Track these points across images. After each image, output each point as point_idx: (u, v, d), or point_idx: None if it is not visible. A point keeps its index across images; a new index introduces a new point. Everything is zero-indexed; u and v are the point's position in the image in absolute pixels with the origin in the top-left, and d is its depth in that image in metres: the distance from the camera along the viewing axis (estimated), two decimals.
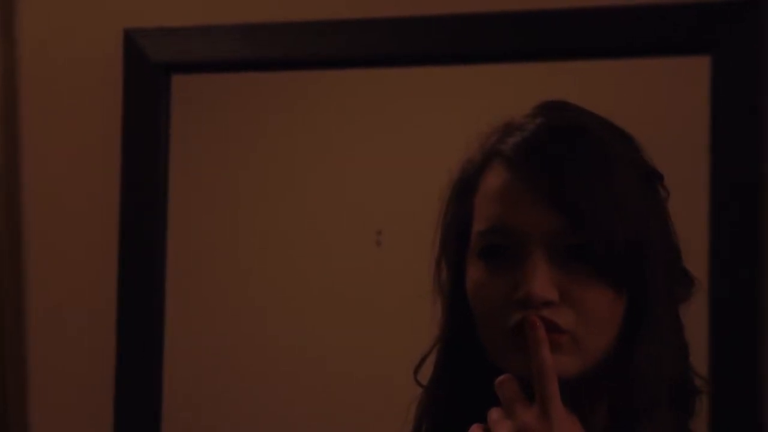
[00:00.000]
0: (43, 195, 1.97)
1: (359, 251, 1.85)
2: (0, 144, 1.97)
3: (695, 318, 1.66)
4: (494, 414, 1.06)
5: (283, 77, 1.90)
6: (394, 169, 1.85)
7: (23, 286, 1.97)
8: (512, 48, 1.80)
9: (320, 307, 1.86)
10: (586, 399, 1.13)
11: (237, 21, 1.90)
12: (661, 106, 1.74)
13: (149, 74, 1.92)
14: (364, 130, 1.87)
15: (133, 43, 1.92)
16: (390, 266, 1.84)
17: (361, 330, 1.84)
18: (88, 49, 1.96)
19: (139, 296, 1.91)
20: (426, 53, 1.83)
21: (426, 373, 1.20)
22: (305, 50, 1.87)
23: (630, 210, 1.10)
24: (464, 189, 1.17)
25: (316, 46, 1.86)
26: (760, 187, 1.68)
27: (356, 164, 1.87)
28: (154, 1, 1.95)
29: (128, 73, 1.93)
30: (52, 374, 1.96)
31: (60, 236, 1.96)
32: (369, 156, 1.86)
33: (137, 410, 1.91)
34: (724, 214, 1.68)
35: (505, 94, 1.78)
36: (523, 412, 1.04)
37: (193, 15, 1.92)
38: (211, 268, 1.92)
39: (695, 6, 1.71)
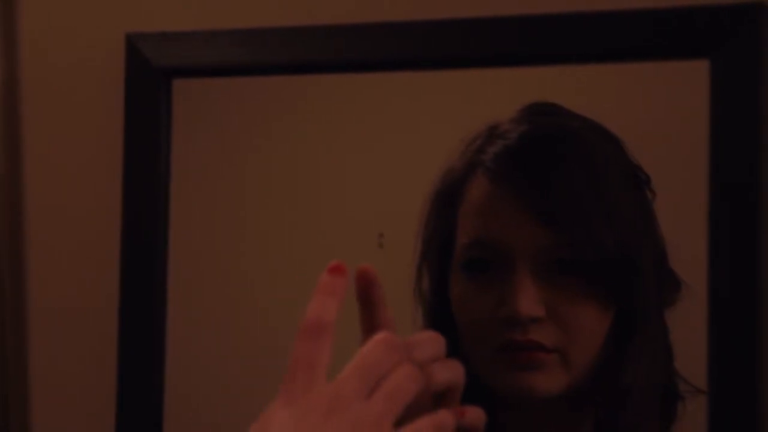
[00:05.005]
0: (45, 199, 1.97)
1: (362, 253, 1.85)
2: (2, 148, 1.97)
3: (694, 321, 1.66)
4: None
5: (285, 81, 1.90)
6: (396, 171, 1.84)
7: (25, 289, 1.97)
8: (512, 52, 1.79)
9: None
10: (572, 413, 1.11)
11: (239, 26, 1.89)
12: (659, 110, 1.73)
13: (151, 79, 1.92)
14: (367, 133, 1.87)
15: (134, 47, 1.92)
16: (393, 268, 1.84)
17: None
18: (89, 54, 1.96)
19: (141, 300, 1.91)
20: (429, 57, 1.82)
21: None
22: (307, 54, 1.86)
23: (621, 221, 1.06)
24: (447, 200, 1.13)
25: (318, 51, 1.86)
26: (758, 191, 1.67)
27: (358, 167, 1.87)
28: (156, 5, 1.95)
29: (130, 78, 1.92)
30: (54, 374, 1.96)
31: (62, 239, 1.97)
32: (371, 158, 1.86)
33: (139, 410, 1.91)
34: (723, 217, 1.67)
35: (506, 97, 1.77)
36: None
37: (195, 20, 1.92)
38: (213, 273, 1.92)
39: (694, 10, 1.70)
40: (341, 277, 0.77)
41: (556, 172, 1.06)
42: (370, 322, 0.76)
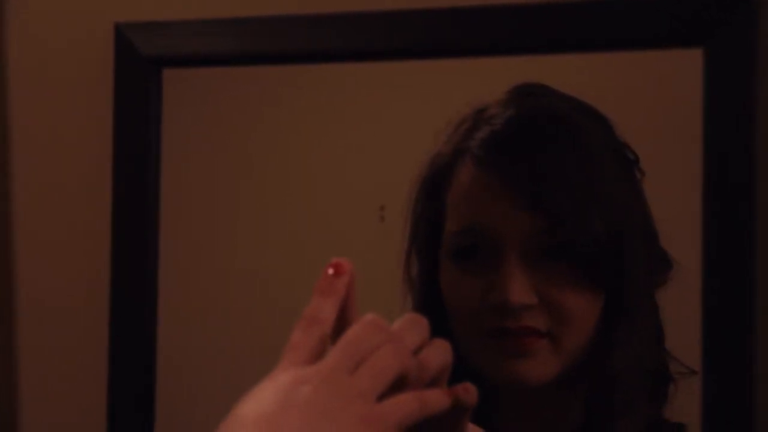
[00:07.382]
0: (34, 189, 1.96)
1: (363, 227, 1.83)
2: None
3: (688, 308, 1.66)
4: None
5: (275, 70, 1.88)
6: (396, 145, 1.82)
7: (13, 282, 1.96)
8: (509, 41, 1.78)
9: None
10: (562, 396, 1.10)
11: (228, 15, 1.88)
12: (653, 98, 1.72)
13: (140, 68, 1.91)
14: (365, 111, 1.85)
15: (123, 37, 1.91)
16: (394, 240, 1.82)
17: (366, 307, 1.82)
18: (78, 44, 1.95)
19: (132, 290, 1.90)
20: (423, 46, 1.81)
21: None
22: (296, 44, 1.85)
23: (610, 208, 1.05)
24: (436, 185, 1.12)
25: (308, 40, 1.85)
26: (752, 180, 1.67)
27: (358, 142, 1.84)
28: None
29: (119, 67, 1.91)
30: (44, 373, 1.95)
31: (51, 230, 1.95)
32: (371, 134, 1.84)
33: (131, 407, 1.90)
34: (717, 206, 1.67)
35: (502, 84, 1.76)
36: None
37: (184, 9, 1.91)
38: (206, 263, 1.90)
39: None
40: (339, 276, 0.75)
41: (543, 159, 1.05)
42: (338, 325, 0.75)
